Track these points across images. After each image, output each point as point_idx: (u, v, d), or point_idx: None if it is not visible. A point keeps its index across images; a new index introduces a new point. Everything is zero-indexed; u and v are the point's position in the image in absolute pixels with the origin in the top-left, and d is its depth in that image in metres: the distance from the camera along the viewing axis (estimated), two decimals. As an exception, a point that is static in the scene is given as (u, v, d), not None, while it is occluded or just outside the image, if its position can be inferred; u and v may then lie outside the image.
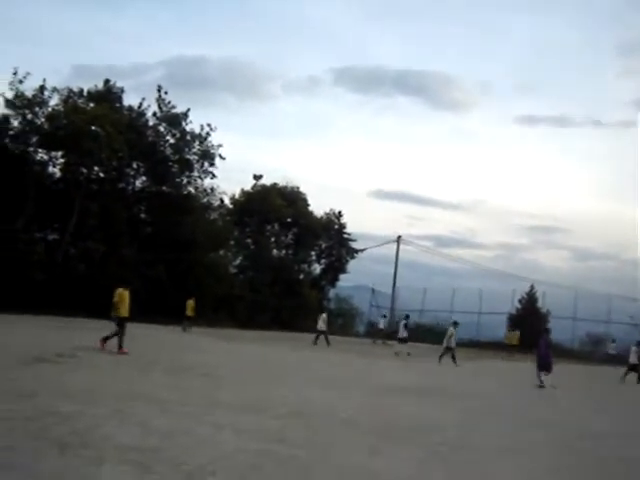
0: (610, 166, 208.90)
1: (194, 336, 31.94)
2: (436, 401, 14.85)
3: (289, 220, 58.28)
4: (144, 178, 48.07)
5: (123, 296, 19.03)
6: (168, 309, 41.54)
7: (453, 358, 28.84)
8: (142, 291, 41.19)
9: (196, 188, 48.99)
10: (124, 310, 18.85)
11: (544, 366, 21.89)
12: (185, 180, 48.31)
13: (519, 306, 55.30)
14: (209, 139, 47.75)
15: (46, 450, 6.74)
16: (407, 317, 37.47)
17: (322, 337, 35.45)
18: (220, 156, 48.28)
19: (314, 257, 62.72)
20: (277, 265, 56.85)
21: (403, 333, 34.73)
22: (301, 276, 60.97)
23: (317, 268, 63.11)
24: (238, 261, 57.86)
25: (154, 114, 47.00)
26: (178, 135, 47.21)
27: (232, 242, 55.14)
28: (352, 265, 63.49)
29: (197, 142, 47.62)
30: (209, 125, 47.82)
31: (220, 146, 48.11)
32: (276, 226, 59.13)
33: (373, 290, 62.66)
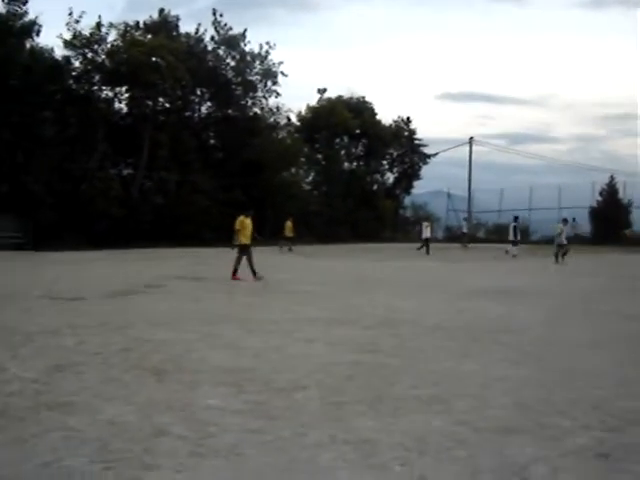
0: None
1: (292, 256, 32.35)
2: (524, 301, 14.70)
3: (358, 131, 57.66)
4: (209, 104, 48.21)
5: (245, 223, 18.93)
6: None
7: (557, 255, 28.93)
8: (220, 216, 41.87)
9: (262, 108, 48.90)
10: (245, 237, 18.81)
11: None
12: (250, 102, 48.23)
13: (600, 199, 53.86)
14: (269, 57, 47.42)
15: (144, 378, 6.94)
16: (516, 219, 36.55)
17: (424, 245, 36.09)
18: (282, 73, 47.98)
19: (386, 166, 62.26)
20: (350, 178, 56.67)
21: (516, 236, 34.50)
22: (375, 187, 60.71)
23: (390, 177, 62.76)
24: (311, 177, 57.92)
25: (212, 38, 46.79)
26: (238, 57, 46.93)
27: (303, 159, 55.06)
28: (426, 171, 62.88)
29: (258, 62, 47.30)
30: (268, 43, 47.39)
31: (281, 63, 47.77)
32: (345, 139, 58.67)
33: (449, 194, 62.09)
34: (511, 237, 34.65)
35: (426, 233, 37.00)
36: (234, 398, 6.20)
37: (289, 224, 37.74)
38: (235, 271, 18.37)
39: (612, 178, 54.34)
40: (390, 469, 4.52)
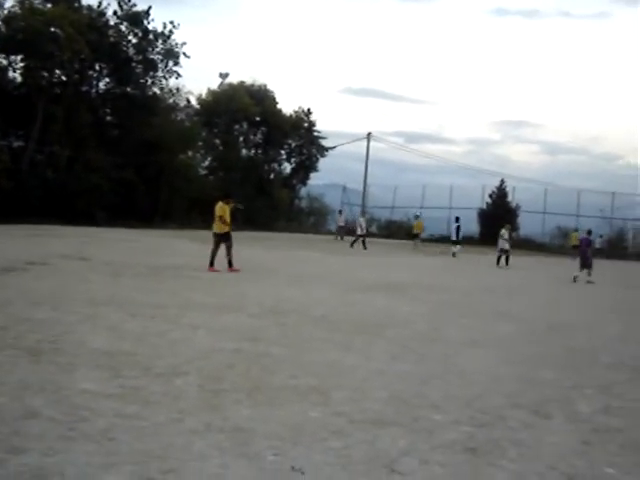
0: (580, 59, 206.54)
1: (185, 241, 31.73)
2: (411, 296, 15.04)
3: (257, 119, 57.28)
4: (107, 80, 46.99)
5: (225, 210, 18.25)
6: (140, 212, 41.44)
7: (506, 260, 28.71)
8: (112, 195, 40.99)
9: (161, 88, 48.07)
10: (226, 224, 18.12)
11: (584, 263, 23.76)
12: (150, 81, 47.29)
13: (489, 201, 55.47)
14: (172, 37, 46.53)
15: (20, 358, 6.74)
16: (458, 219, 36.64)
17: (361, 240, 35.70)
18: (184, 54, 47.19)
19: (284, 156, 62.13)
20: (247, 165, 56.31)
21: (458, 236, 35.10)
22: (272, 175, 60.59)
23: (287, 167, 62.64)
24: (207, 162, 57.31)
25: (114, 13, 45.48)
26: (140, 34, 45.89)
27: (200, 143, 54.40)
28: (323, 163, 63.07)
29: (160, 41, 46.36)
30: (172, 22, 46.51)
31: (184, 44, 46.95)
32: (244, 125, 58.21)
33: (344, 188, 62.61)
34: (453, 237, 35.33)
35: (361, 229, 36.54)
36: (111, 382, 6.10)
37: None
38: (212, 262, 17.63)
39: (502, 182, 56.06)
40: (263, 458, 4.55)
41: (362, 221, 37.58)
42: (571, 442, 5.46)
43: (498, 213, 51.15)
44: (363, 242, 35.46)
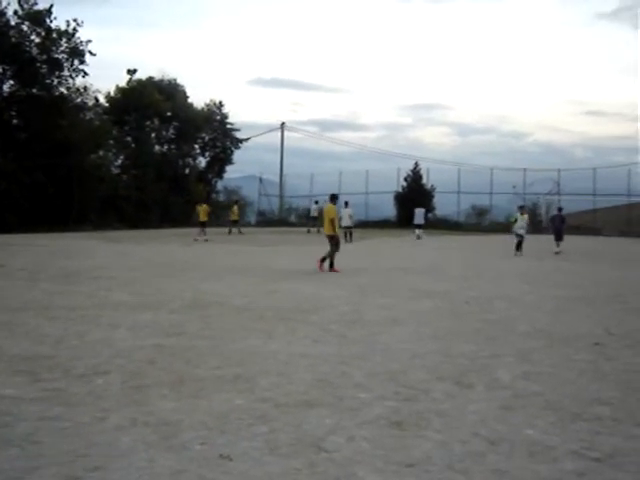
0: (485, 41, 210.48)
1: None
2: (331, 282, 15.15)
3: (169, 114, 56.59)
4: (12, 82, 45.70)
5: (334, 212, 18.24)
6: (53, 215, 40.53)
7: (518, 246, 26.24)
8: (23, 199, 39.97)
9: (68, 88, 46.91)
10: (336, 226, 18.17)
11: (558, 237, 27.10)
12: (56, 81, 46.13)
13: (404, 184, 56.17)
14: (77, 35, 45.52)
15: None
16: (424, 207, 41.36)
17: (348, 232, 32.22)
18: (90, 52, 46.19)
19: (198, 150, 61.59)
20: (160, 161, 55.60)
21: (421, 220, 38.23)
22: (186, 171, 60.03)
23: (202, 161, 62.12)
24: (120, 161, 56.34)
25: (15, 13, 44.23)
26: (43, 33, 44.73)
27: (111, 141, 53.44)
28: (239, 156, 62.79)
29: (64, 39, 45.27)
30: (75, 20, 45.49)
31: (89, 42, 45.96)
32: (156, 121, 57.38)
33: (261, 179, 62.58)
34: (420, 222, 38.17)
35: (347, 221, 32.44)
36: (31, 386, 6.00)
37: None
38: (332, 264, 17.65)
39: (416, 165, 56.90)
40: (190, 448, 4.56)
41: (345, 213, 32.60)
42: (492, 408, 5.62)
43: (414, 196, 51.89)
44: (350, 234, 32.40)
